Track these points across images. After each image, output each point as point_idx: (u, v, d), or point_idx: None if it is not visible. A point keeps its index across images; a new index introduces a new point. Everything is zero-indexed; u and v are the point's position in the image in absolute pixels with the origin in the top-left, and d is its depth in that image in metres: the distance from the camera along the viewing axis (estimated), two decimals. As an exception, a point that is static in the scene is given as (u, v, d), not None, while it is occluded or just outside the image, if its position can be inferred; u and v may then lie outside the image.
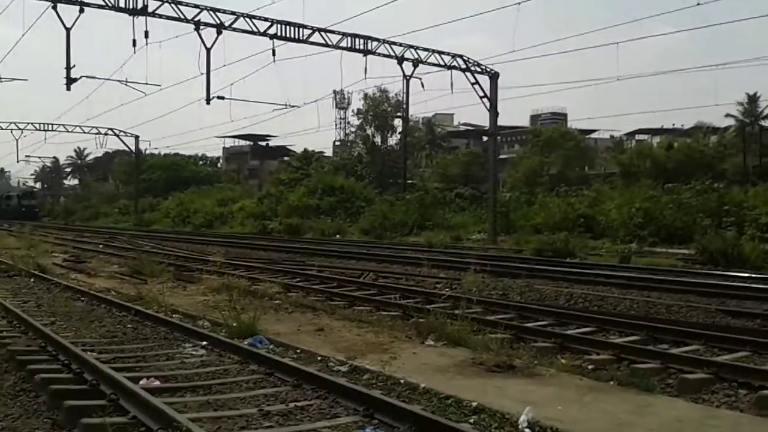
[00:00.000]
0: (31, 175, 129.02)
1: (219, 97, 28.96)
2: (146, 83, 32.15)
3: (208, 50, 26.79)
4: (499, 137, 38.70)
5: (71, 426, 5.37)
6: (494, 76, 32.65)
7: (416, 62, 31.54)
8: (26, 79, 67.82)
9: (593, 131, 71.95)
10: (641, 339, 9.09)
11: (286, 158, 76.69)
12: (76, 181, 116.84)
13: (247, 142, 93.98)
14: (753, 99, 54.18)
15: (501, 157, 51.14)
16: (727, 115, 53.06)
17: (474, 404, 5.96)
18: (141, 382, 6.49)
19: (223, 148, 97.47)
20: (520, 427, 5.36)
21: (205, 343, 8.63)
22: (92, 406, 5.56)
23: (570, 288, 14.43)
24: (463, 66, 32.25)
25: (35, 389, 6.50)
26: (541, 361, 7.88)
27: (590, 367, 7.76)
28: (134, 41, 25.09)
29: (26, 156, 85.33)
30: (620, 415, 5.78)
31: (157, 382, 6.70)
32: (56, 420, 5.63)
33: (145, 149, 73.10)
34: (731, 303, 12.33)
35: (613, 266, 19.15)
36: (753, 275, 16.74)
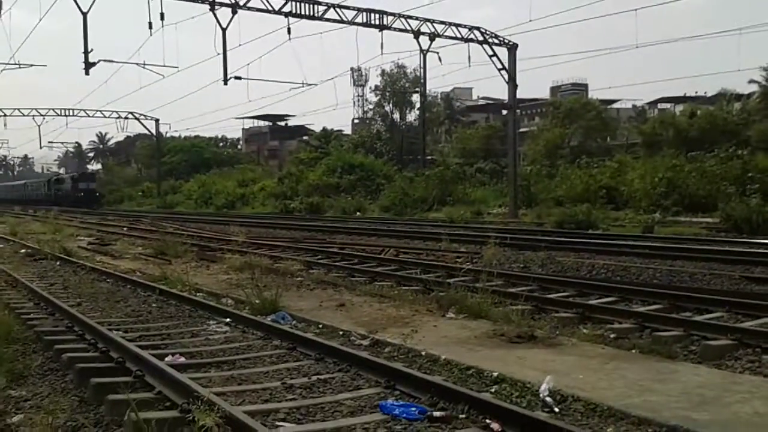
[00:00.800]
0: (54, 160, 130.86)
1: (236, 78, 29.02)
2: (164, 65, 32.30)
3: (224, 30, 26.76)
4: (518, 110, 38.37)
5: (98, 403, 5.47)
6: (512, 48, 32.29)
7: (433, 36, 31.31)
8: (45, 65, 68.68)
9: (615, 101, 71.10)
10: (664, 307, 9.02)
11: (305, 137, 76.76)
12: (98, 166, 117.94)
13: (266, 123, 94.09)
14: (776, 63, 52.97)
15: (521, 130, 50.78)
16: (751, 81, 51.97)
17: (495, 374, 5.99)
18: (166, 359, 6.59)
19: (243, 129, 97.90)
20: (541, 395, 5.37)
21: (228, 320, 8.73)
22: (118, 382, 5.66)
23: (592, 259, 14.36)
24: (481, 38, 31.93)
25: (62, 368, 6.64)
26: (562, 332, 7.89)
27: (612, 336, 7.74)
28: (150, 23, 25.13)
29: (49, 142, 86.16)
30: (642, 382, 5.77)
31: (182, 359, 6.80)
32: (83, 397, 5.75)
33: (166, 132, 73.64)
34: (756, 270, 12.21)
35: (636, 236, 19.02)
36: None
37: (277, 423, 4.92)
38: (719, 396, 5.36)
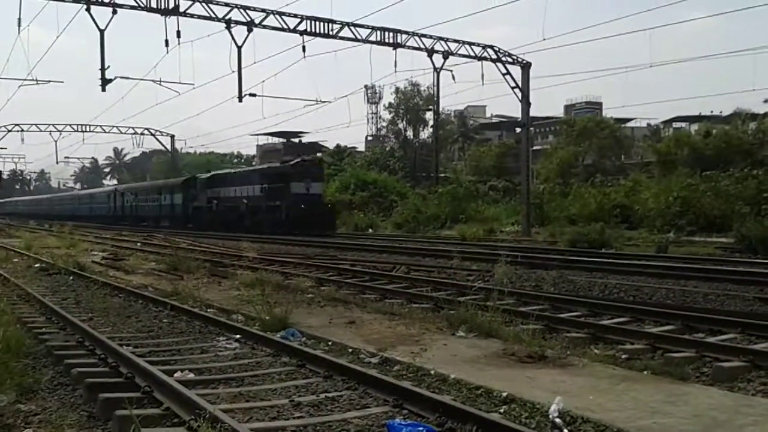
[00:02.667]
0: (71, 175, 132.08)
1: (251, 95, 29.31)
2: (179, 82, 32.63)
3: (239, 48, 27.05)
4: (532, 128, 38.40)
5: (106, 418, 5.48)
6: (526, 66, 32.37)
7: (446, 54, 31.42)
8: (62, 81, 69.45)
9: (629, 120, 70.89)
10: (677, 328, 8.94)
11: (318, 154, 77.09)
12: (114, 181, 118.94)
13: (280, 140, 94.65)
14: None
15: (534, 148, 50.76)
16: (766, 101, 51.89)
17: (504, 394, 5.94)
18: (175, 375, 6.60)
19: (257, 145, 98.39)
20: (550, 416, 5.32)
21: (238, 336, 8.74)
22: (127, 398, 5.66)
23: (605, 279, 14.27)
24: (494, 57, 32.06)
25: (72, 383, 6.66)
26: (573, 352, 7.81)
27: (624, 356, 7.67)
28: (167, 41, 25.44)
29: (65, 157, 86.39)
30: (653, 404, 5.71)
31: (191, 375, 6.81)
32: (92, 412, 5.76)
33: (181, 148, 74.32)
34: (771, 291, 12.07)
35: (650, 256, 18.90)
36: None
37: (284, 441, 4.91)
38: (731, 419, 5.29)
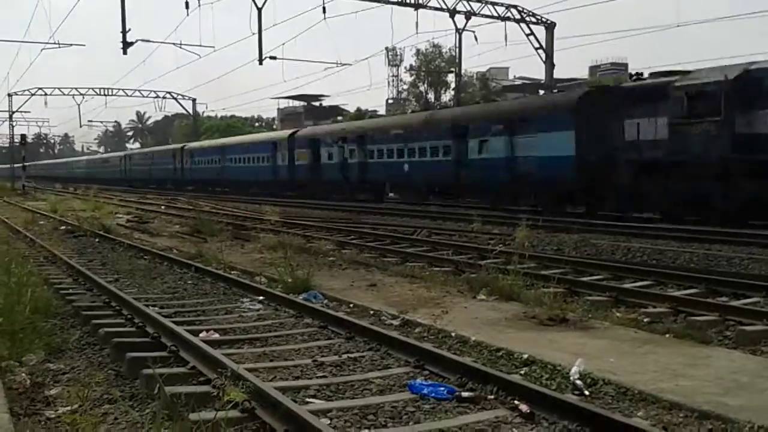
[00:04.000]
0: (95, 139, 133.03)
1: (271, 57, 29.26)
2: (200, 45, 32.58)
3: (260, 10, 26.92)
4: (556, 90, 37.87)
5: (133, 377, 5.60)
6: (550, 26, 31.86)
7: (469, 15, 31.05)
8: (84, 45, 69.53)
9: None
10: (700, 292, 8.89)
11: (339, 118, 76.87)
12: (137, 145, 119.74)
13: (301, 103, 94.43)
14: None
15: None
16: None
17: (525, 356, 5.97)
18: (200, 335, 6.70)
19: (278, 109, 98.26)
20: (571, 378, 5.34)
21: (261, 297, 8.84)
22: (153, 357, 5.78)
23: (627, 242, 14.20)
24: (518, 17, 31.56)
25: (99, 343, 6.79)
26: (595, 315, 7.81)
27: (646, 320, 7.65)
28: (187, 3, 25.39)
29: (89, 121, 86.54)
30: (675, 366, 5.70)
31: (216, 335, 6.92)
32: (119, 371, 5.88)
33: (202, 111, 74.50)
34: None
35: (673, 219, 18.68)
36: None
37: (307, 399, 4.99)
38: (753, 382, 5.28)
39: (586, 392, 5.15)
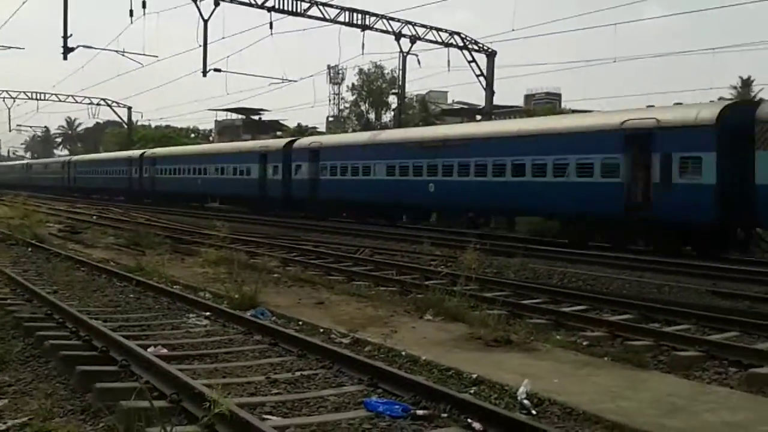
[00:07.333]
0: (21, 144, 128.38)
1: (216, 70, 29.01)
2: (143, 54, 32.05)
3: (206, 22, 26.77)
4: (493, 116, 38.75)
5: (84, 390, 5.51)
6: (491, 55, 32.68)
7: (413, 39, 31.57)
8: (23, 48, 67.28)
9: (588, 112, 71.85)
10: (634, 317, 9.31)
11: (278, 133, 76.44)
12: (65, 152, 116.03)
13: (240, 116, 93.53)
14: (746, 83, 54.39)
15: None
16: (720, 99, 53.23)
17: (474, 376, 6.17)
18: (149, 350, 6.63)
19: (216, 121, 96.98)
20: (519, 398, 5.55)
21: (208, 313, 8.79)
22: (104, 371, 5.70)
23: (564, 267, 14.64)
24: (461, 44, 32.26)
25: (44, 355, 6.64)
26: (537, 337, 8.07)
27: (585, 343, 7.97)
28: (131, 11, 25.05)
29: (17, 125, 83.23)
30: (614, 389, 5.99)
31: (165, 350, 6.86)
32: (67, 384, 5.78)
33: (137, 120, 72.61)
34: (722, 285, 12.55)
35: (606, 247, 19.34)
36: (743, 258, 17.02)
37: (264, 416, 5.03)
38: (688, 405, 5.60)
39: (534, 411, 5.37)
